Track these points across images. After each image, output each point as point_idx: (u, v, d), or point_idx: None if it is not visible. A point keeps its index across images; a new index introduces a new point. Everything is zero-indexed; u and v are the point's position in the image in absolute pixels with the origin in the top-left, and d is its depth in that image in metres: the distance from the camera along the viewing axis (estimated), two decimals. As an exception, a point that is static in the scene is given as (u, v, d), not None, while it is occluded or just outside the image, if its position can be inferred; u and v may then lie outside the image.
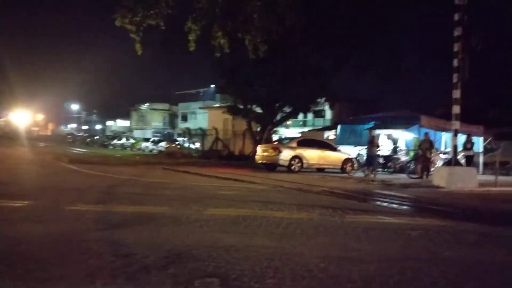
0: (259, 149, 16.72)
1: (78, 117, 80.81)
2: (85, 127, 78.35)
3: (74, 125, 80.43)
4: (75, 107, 79.63)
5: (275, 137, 24.99)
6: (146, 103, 63.05)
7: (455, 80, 11.73)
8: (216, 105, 37.80)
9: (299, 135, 27.57)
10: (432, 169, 14.15)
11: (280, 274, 3.47)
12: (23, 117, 46.82)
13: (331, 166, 16.36)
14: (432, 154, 15.07)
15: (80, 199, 7.31)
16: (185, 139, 32.67)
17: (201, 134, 28.24)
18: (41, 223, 5.19)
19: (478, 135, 18.99)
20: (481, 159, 18.83)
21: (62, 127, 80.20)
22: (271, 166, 16.02)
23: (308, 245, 4.50)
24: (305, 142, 16.75)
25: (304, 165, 15.64)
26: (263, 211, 6.61)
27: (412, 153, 17.00)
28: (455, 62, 11.68)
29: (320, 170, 16.47)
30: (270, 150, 15.75)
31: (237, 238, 4.69)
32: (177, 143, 35.44)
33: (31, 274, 3.28)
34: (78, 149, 31.39)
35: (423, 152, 14.64)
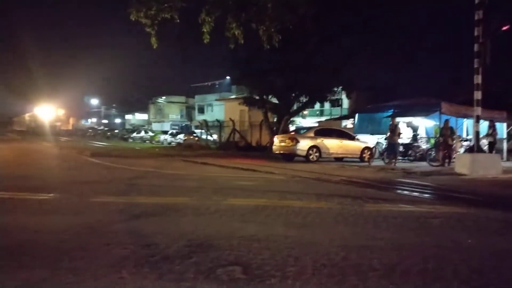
0: (276, 139, 16.70)
1: (98, 111, 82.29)
2: (105, 121, 79.77)
3: (94, 120, 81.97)
4: (94, 101, 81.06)
5: (292, 127, 24.91)
6: (163, 96, 63.68)
7: (476, 65, 11.41)
8: (232, 97, 37.88)
9: (316, 124, 27.40)
10: (453, 157, 13.86)
11: (301, 263, 3.49)
12: (47, 112, 47.70)
13: (349, 155, 16.22)
14: (454, 141, 14.75)
15: (103, 191, 7.49)
16: (203, 131, 32.88)
17: (218, 125, 28.39)
18: (67, 215, 5.36)
19: (501, 120, 18.43)
20: (504, 145, 18.31)
21: (83, 122, 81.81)
22: (289, 156, 16.00)
23: (328, 234, 4.51)
24: (323, 131, 16.63)
25: (322, 155, 15.56)
26: (282, 201, 6.63)
27: (432, 141, 16.68)
28: (476, 47, 11.34)
29: (339, 159, 16.36)
30: (288, 140, 15.71)
31: (257, 228, 4.73)
32: (194, 135, 35.74)
33: (58, 264, 3.40)
34: (99, 143, 32.03)
35: (444, 139, 14.34)
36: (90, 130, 55.76)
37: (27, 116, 59.27)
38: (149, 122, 66.02)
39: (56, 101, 49.03)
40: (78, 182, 8.93)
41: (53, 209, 5.74)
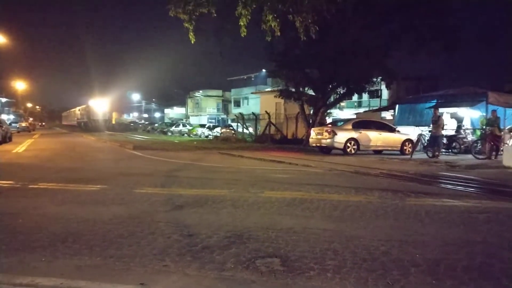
0: (313, 132, 16.53)
1: (139, 106, 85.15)
2: (145, 115, 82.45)
3: (135, 114, 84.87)
4: (136, 96, 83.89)
5: (328, 120, 24.53)
6: (201, 90, 64.77)
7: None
8: (268, 89, 37.79)
9: (354, 116, 26.81)
10: (501, 149, 13.12)
11: (340, 257, 3.47)
12: (96, 107, 49.05)
13: (389, 148, 15.77)
14: (502, 133, 13.94)
15: (146, 182, 7.79)
16: (239, 124, 33.16)
17: (254, 118, 28.49)
18: (113, 205, 5.63)
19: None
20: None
21: (125, 116, 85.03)
22: (326, 149, 15.80)
23: (368, 228, 4.44)
24: (361, 123, 16.25)
25: (361, 147, 15.24)
26: (320, 194, 6.59)
27: (478, 132, 15.86)
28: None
29: (378, 152, 15.96)
30: (325, 133, 15.50)
31: (295, 221, 4.75)
32: (231, 128, 36.14)
33: (107, 252, 3.60)
34: (140, 136, 33.16)
35: (492, 130, 13.59)
36: (131, 124, 57.69)
37: (76, 110, 60.75)
38: (187, 116, 67.45)
39: (104, 97, 50.72)
40: (122, 174, 9.33)
41: (100, 200, 6.04)
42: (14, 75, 51.70)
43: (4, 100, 57.59)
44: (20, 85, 56.44)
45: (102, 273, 3.13)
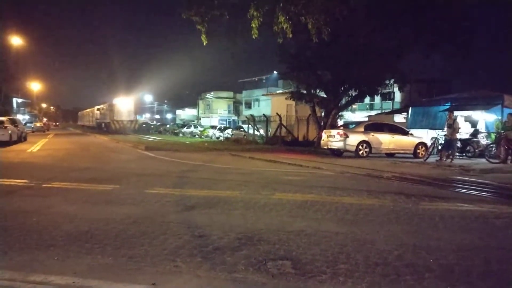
0: (324, 134, 16.43)
1: (151, 107, 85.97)
2: (157, 116, 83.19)
3: (147, 115, 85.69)
4: (148, 98, 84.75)
5: (340, 122, 24.38)
6: (212, 92, 65.05)
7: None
8: (279, 91, 37.78)
9: (366, 119, 26.59)
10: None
11: (352, 260, 3.43)
12: (125, 105, 45.75)
13: (402, 151, 15.58)
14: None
15: (158, 183, 7.83)
16: (250, 126, 33.19)
17: (265, 120, 28.46)
18: (125, 205, 5.67)
19: None
20: None
21: (138, 117, 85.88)
22: (337, 151, 15.69)
23: (380, 232, 4.38)
24: (374, 126, 16.09)
25: (373, 150, 15.08)
26: (331, 196, 6.54)
27: (493, 136, 15.57)
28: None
29: (390, 155, 15.78)
30: (336, 135, 15.41)
31: (306, 223, 4.71)
32: (242, 130, 36.16)
33: (119, 252, 3.62)
34: (152, 137, 33.40)
35: (507, 134, 13.33)
36: (144, 125, 58.08)
37: (95, 109, 56.95)
38: (198, 117, 67.78)
39: (118, 97, 47.09)
40: (135, 174, 9.40)
41: (113, 200, 6.09)
42: (30, 76, 52.49)
43: (20, 100, 58.58)
44: (35, 86, 57.37)
45: (114, 273, 3.14)
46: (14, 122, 21.76)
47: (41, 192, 6.70)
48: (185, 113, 76.86)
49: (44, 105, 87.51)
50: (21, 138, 22.08)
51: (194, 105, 72.07)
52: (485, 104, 16.42)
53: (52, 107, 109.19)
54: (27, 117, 54.84)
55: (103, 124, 47.82)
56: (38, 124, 45.15)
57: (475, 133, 16.13)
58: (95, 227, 4.43)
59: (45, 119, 63.52)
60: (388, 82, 21.41)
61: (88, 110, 65.17)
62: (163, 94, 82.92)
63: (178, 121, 66.92)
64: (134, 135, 36.33)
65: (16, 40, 34.47)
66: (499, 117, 15.57)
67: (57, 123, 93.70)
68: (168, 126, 52.87)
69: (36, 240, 3.97)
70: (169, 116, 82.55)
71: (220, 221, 4.79)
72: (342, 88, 20.96)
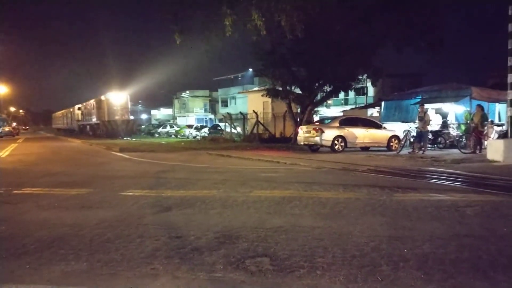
0: (301, 130, 16.58)
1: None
2: (131, 117, 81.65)
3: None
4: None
5: (316, 118, 24.64)
6: (187, 90, 64.40)
7: (510, 46, 10.88)
8: (255, 89, 37.79)
9: (341, 114, 26.98)
10: (485, 143, 13.36)
11: (330, 254, 3.48)
12: (119, 101, 40.81)
13: (376, 145, 15.92)
14: (485, 127, 14.20)
15: (133, 185, 7.69)
16: (227, 124, 33.05)
17: (242, 118, 28.43)
18: (100, 209, 5.54)
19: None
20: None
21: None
22: (314, 147, 15.87)
23: (356, 224, 4.46)
24: (348, 120, 16.37)
25: (348, 145, 15.34)
26: (308, 192, 6.61)
27: (463, 127, 16.13)
28: (510, 27, 10.82)
29: (365, 149, 16.10)
30: (312, 131, 15.56)
31: (284, 219, 4.74)
32: (219, 128, 35.98)
33: (94, 257, 3.53)
34: (127, 138, 32.74)
35: (476, 125, 13.84)
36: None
37: (76, 109, 50.58)
38: (174, 117, 67.00)
39: (110, 92, 40.72)
40: (109, 177, 9.20)
41: (87, 204, 5.94)
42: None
43: (-15, 104, 56.21)
44: (1, 89, 55.17)
45: (89, 279, 3.07)
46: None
47: (11, 199, 6.46)
48: (161, 113, 75.80)
49: (12, 109, 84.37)
50: (-11, 144, 21.20)
51: (169, 104, 71.21)
52: (455, 96, 16.98)
53: (21, 111, 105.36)
54: (-6, 121, 52.64)
55: (87, 126, 39.91)
56: (6, 129, 43.45)
57: (445, 125, 16.64)
58: (69, 233, 4.30)
59: (14, 123, 61.21)
60: (361, 77, 21.79)
61: (63, 111, 57.00)
62: (137, 94, 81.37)
63: (153, 121, 65.91)
64: (133, 139, 30.19)
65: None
66: (468, 109, 16.13)
67: (27, 127, 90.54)
68: (143, 126, 51.96)
69: (7, 248, 3.82)
70: (144, 116, 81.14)
71: (198, 221, 4.75)
72: (317, 84, 21.17)
